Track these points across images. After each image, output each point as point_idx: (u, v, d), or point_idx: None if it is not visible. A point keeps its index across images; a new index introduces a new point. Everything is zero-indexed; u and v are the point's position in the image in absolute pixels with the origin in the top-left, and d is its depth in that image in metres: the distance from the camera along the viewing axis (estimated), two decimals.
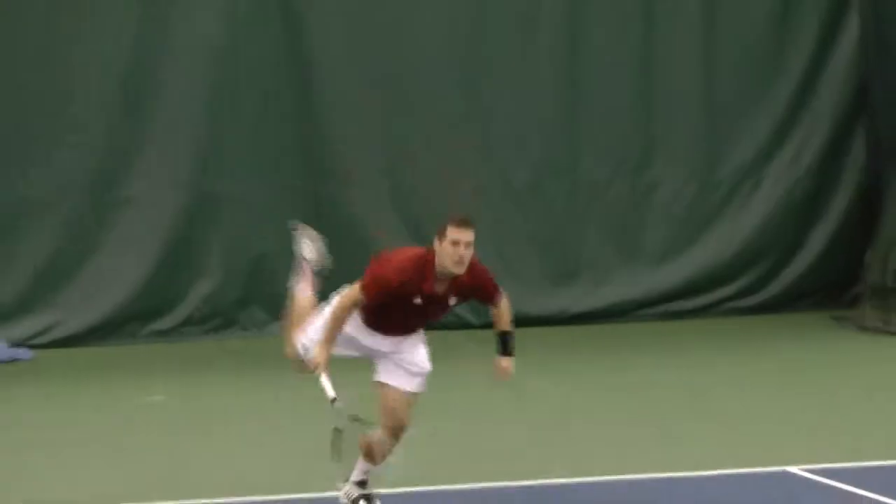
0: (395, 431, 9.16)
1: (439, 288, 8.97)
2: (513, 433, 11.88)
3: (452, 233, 8.82)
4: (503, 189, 16.18)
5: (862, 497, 9.66)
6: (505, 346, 9.07)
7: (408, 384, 9.15)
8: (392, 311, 9.06)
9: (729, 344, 15.46)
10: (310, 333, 8.85)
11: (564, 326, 16.04)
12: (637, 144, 16.31)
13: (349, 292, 8.81)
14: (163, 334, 15.16)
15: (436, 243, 8.95)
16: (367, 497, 9.19)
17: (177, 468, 10.42)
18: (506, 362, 9.09)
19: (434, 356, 9.61)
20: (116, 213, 15.03)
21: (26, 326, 14.95)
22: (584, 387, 13.95)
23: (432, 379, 9.52)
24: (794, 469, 10.47)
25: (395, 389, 9.24)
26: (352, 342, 9.31)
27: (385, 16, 15.73)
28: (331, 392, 9.03)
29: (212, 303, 15.25)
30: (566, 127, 16.45)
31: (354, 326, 9.28)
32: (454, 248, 8.83)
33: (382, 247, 12.14)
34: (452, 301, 9.12)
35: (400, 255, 9.19)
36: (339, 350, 9.40)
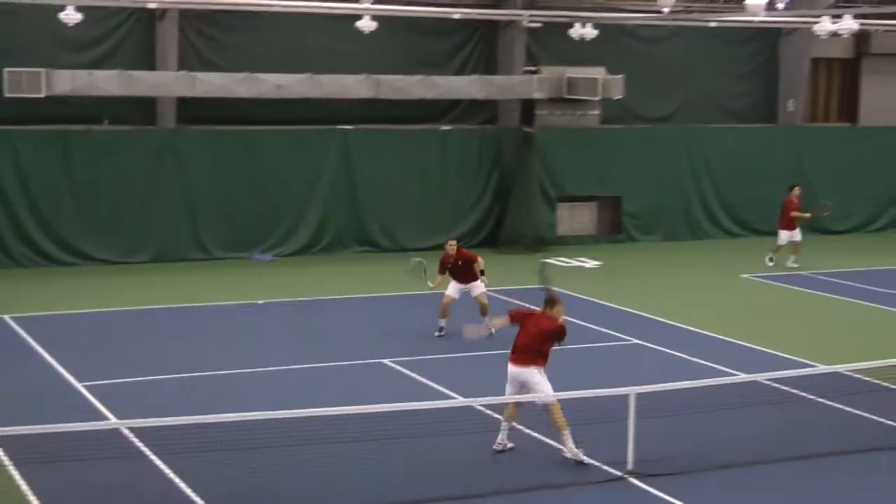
0: (485, 308, 20.38)
1: (455, 259, 20.31)
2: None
3: (448, 242, 20.84)
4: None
5: None
6: (482, 275, 20.45)
7: (481, 290, 20.49)
8: (453, 271, 20.26)
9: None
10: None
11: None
12: (447, 198, 32.01)
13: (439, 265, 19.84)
14: (320, 250, 30.62)
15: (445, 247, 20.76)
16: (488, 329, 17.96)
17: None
18: (481, 280, 20.52)
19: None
20: (306, 213, 30.72)
21: (277, 250, 30.59)
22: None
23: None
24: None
25: (481, 293, 20.42)
26: (458, 291, 20.31)
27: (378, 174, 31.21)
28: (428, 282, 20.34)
29: (339, 240, 31.24)
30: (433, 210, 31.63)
31: (457, 288, 20.34)
32: (449, 246, 20.72)
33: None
34: (460, 263, 20.37)
35: (442, 256, 20.29)
36: (455, 295, 20.33)
